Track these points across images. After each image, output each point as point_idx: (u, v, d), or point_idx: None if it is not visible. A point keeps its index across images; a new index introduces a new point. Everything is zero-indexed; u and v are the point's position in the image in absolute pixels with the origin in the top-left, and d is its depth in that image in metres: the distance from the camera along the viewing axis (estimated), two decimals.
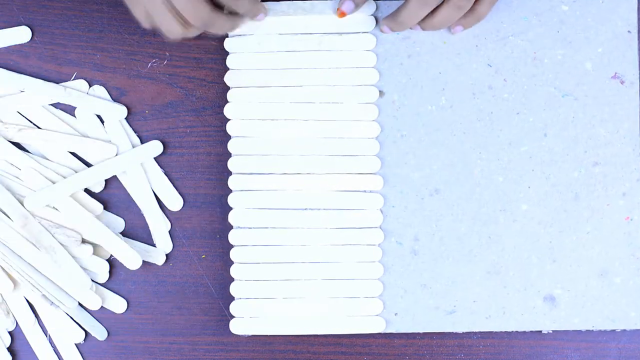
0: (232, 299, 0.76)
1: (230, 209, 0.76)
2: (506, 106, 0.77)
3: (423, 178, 0.76)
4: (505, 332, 0.77)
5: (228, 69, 0.77)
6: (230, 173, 0.76)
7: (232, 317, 0.75)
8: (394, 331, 0.75)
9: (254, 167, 0.76)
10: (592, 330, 0.76)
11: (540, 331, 0.76)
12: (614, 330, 0.76)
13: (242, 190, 0.76)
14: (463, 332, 0.76)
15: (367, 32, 0.77)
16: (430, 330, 0.75)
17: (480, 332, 0.77)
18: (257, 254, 0.75)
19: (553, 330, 0.76)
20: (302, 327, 0.75)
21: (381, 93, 0.77)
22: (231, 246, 0.76)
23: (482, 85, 0.77)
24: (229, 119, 0.76)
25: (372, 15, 0.77)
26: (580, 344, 0.77)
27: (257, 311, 0.75)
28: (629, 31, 0.77)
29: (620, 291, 0.75)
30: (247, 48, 0.77)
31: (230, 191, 0.76)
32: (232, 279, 0.76)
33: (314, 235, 0.75)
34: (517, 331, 0.76)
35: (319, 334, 0.76)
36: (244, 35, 0.77)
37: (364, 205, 0.76)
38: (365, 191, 0.76)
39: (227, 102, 0.77)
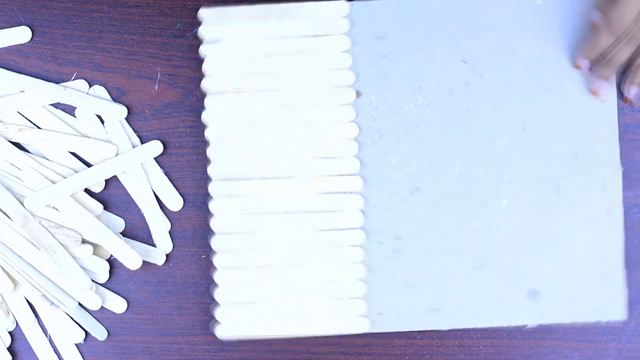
0: None
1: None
2: (484, 102, 0.77)
3: (403, 177, 0.76)
4: (506, 332, 0.76)
5: None
6: None
7: (218, 322, 0.76)
8: (379, 331, 0.75)
9: (234, 172, 0.76)
10: (592, 330, 0.76)
11: (525, 325, 0.76)
12: (599, 321, 0.76)
13: (223, 196, 0.76)
14: (448, 330, 0.76)
15: (341, 34, 0.77)
16: (414, 329, 0.75)
17: (480, 333, 0.76)
18: (239, 258, 0.76)
19: (538, 325, 0.75)
20: (286, 328, 0.75)
21: (358, 94, 0.77)
22: None
23: (458, 82, 0.77)
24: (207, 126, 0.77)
25: (345, 17, 0.77)
26: (580, 344, 0.76)
27: (241, 315, 0.75)
28: None
29: (604, 283, 0.75)
30: (223, 53, 0.77)
31: None
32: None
33: (296, 238, 0.76)
34: (501, 327, 0.76)
35: (302, 335, 0.76)
36: (219, 41, 0.77)
37: (344, 206, 0.76)
38: (345, 192, 0.76)
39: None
